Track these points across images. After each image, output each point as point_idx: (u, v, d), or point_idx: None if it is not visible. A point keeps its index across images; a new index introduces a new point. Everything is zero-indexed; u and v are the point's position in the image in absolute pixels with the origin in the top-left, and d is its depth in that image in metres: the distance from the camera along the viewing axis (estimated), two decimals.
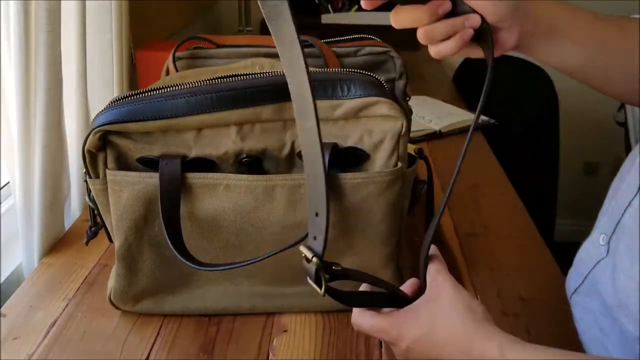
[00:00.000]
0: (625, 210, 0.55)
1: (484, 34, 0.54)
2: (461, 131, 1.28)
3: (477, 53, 0.56)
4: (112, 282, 0.67)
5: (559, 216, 1.94)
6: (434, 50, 0.55)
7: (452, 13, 0.53)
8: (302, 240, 0.59)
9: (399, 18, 0.54)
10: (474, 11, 0.53)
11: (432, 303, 0.52)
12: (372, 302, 0.56)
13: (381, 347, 0.65)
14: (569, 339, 0.62)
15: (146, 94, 0.60)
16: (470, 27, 0.53)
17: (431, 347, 0.50)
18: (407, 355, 0.52)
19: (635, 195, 0.54)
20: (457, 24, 0.53)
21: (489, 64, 0.53)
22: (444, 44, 0.54)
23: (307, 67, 0.47)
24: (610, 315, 0.55)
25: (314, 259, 0.50)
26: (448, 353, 0.49)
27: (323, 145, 0.49)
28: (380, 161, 0.62)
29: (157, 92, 0.60)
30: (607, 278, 0.56)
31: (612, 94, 0.61)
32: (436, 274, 0.53)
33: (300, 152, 0.62)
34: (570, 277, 0.64)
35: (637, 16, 0.62)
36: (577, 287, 0.62)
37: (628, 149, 1.54)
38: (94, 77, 0.99)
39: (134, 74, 1.17)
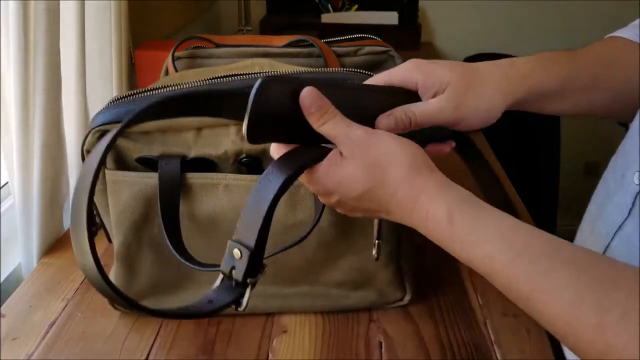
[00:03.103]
0: (615, 234, 0.53)
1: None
2: None
3: None
4: None
5: (560, 216, 1.94)
6: None
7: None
8: (302, 240, 0.59)
9: None
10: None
11: (362, 151, 0.45)
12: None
13: (381, 347, 0.64)
14: None
15: (145, 94, 0.60)
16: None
17: (367, 202, 0.46)
18: (339, 205, 0.49)
19: (626, 219, 0.52)
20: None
21: None
22: None
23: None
24: None
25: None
26: (388, 210, 0.46)
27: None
28: None
29: (157, 91, 0.60)
30: None
31: (617, 113, 0.61)
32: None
33: None
34: None
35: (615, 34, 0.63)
36: None
37: None
38: (93, 77, 0.99)
39: (133, 73, 1.17)
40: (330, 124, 0.45)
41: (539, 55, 0.56)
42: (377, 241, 0.61)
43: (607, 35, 0.64)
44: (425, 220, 0.44)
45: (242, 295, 0.44)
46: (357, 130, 0.45)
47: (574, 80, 0.56)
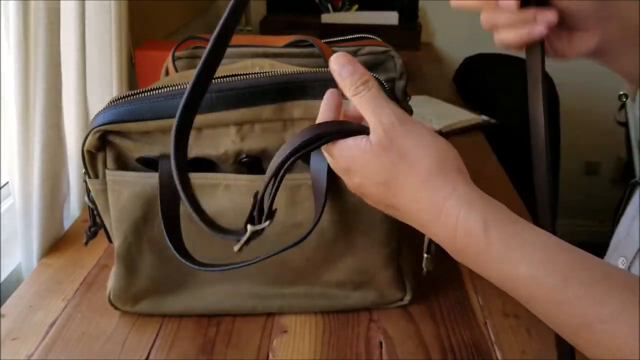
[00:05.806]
0: None
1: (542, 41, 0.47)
2: (462, 131, 1.28)
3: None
4: (111, 282, 0.67)
5: (560, 216, 1.94)
6: (496, 37, 0.49)
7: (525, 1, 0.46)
8: (302, 240, 0.59)
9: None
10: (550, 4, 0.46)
11: (397, 141, 0.41)
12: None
13: (381, 347, 0.64)
14: None
15: (145, 94, 0.60)
16: (543, 21, 0.45)
17: (390, 197, 0.42)
18: (360, 190, 0.45)
19: None
20: (527, 17, 0.45)
21: (531, 74, 0.48)
22: (506, 32, 0.48)
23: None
24: None
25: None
26: (411, 213, 0.41)
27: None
28: None
29: (157, 91, 0.60)
30: None
31: None
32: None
33: None
34: None
35: None
36: None
37: (629, 149, 1.54)
38: (93, 77, 0.99)
39: (133, 73, 1.17)
40: (364, 97, 0.42)
41: None
42: (425, 255, 0.56)
43: None
44: (454, 227, 0.38)
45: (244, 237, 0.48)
46: (390, 116, 0.41)
47: None
